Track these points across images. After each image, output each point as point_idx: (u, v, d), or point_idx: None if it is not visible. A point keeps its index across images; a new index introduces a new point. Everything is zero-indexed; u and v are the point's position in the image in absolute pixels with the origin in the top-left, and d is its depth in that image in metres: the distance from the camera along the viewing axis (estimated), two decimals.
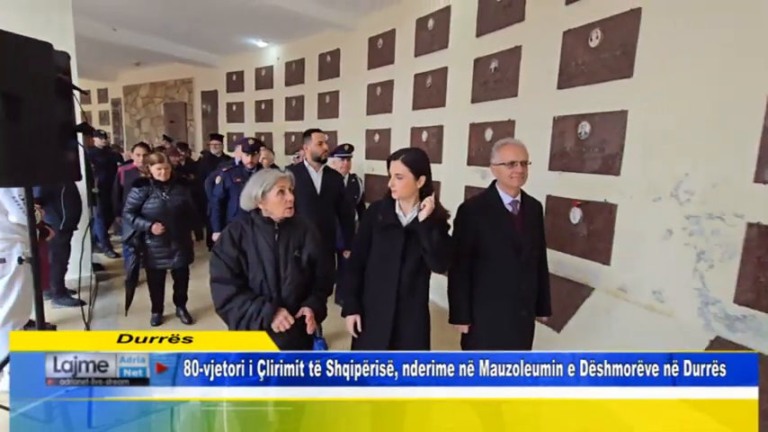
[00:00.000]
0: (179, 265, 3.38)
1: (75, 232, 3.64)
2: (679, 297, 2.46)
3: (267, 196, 1.73)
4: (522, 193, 1.95)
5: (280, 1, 5.30)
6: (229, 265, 1.72)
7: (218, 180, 3.66)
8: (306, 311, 1.79)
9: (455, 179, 4.34)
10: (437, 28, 4.68)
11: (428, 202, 1.67)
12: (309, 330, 1.81)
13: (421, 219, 1.67)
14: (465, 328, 1.95)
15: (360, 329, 1.86)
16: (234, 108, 8.85)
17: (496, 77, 3.91)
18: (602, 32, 2.90)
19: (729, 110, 2.20)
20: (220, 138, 5.65)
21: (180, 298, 3.54)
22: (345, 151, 3.83)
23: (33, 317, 1.87)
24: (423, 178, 1.76)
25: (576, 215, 3.12)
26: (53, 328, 2.23)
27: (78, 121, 1.83)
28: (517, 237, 1.89)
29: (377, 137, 5.72)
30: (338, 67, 6.56)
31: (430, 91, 4.83)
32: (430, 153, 2.77)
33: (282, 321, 1.70)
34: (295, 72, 7.41)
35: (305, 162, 2.98)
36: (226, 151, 6.26)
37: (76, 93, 1.81)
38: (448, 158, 4.54)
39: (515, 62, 3.68)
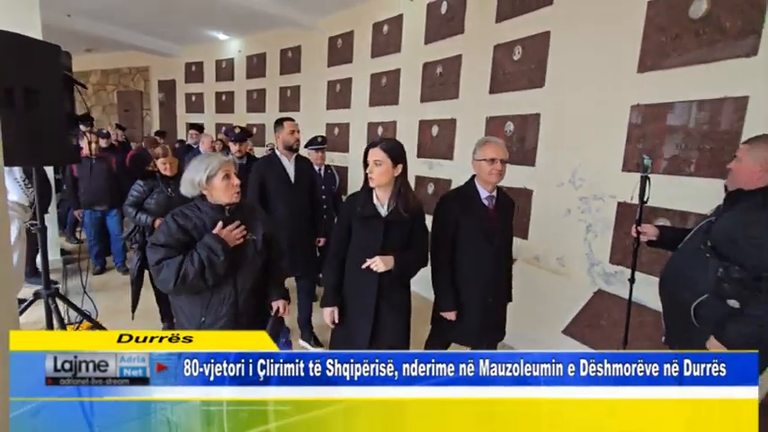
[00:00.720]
0: None
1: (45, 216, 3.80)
2: (574, 262, 3.15)
3: (213, 181, 1.61)
4: (498, 190, 2.04)
5: None
6: (173, 245, 1.57)
7: None
8: (280, 304, 1.79)
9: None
10: (391, 33, 5.18)
11: (377, 261, 1.75)
12: (286, 316, 1.80)
13: (379, 271, 1.76)
14: (453, 315, 1.99)
15: (337, 321, 1.89)
16: (193, 99, 8.90)
17: (441, 81, 4.48)
18: (523, 48, 3.53)
19: (606, 115, 2.87)
20: (200, 128, 5.52)
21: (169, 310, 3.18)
22: (318, 143, 3.84)
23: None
24: (400, 166, 1.79)
25: None
26: (57, 289, 2.35)
27: (80, 111, 2.14)
28: (491, 229, 1.98)
29: (336, 130, 6.15)
30: (299, 63, 6.90)
31: (385, 90, 5.34)
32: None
33: (234, 232, 1.61)
34: (257, 65, 7.64)
35: (276, 152, 2.93)
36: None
37: (78, 87, 2.12)
38: None
39: (456, 68, 4.26)
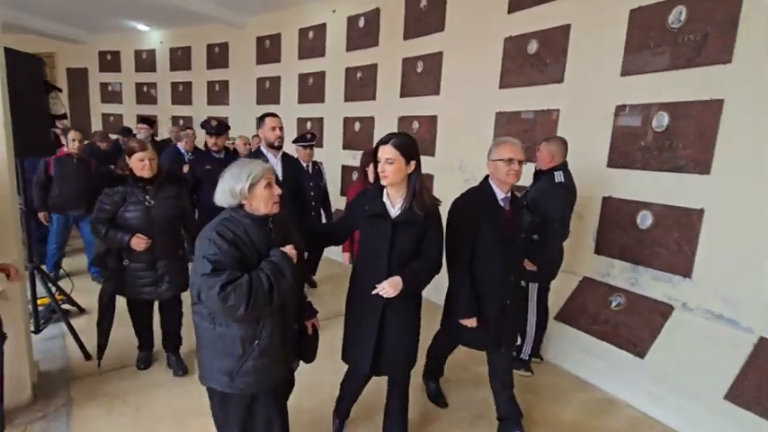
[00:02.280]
0: (167, 295, 2.40)
1: None
2: None
3: (255, 190, 1.46)
4: (512, 191, 2.00)
5: None
6: (232, 265, 1.39)
7: (186, 168, 3.38)
8: (315, 321, 1.75)
9: (333, 160, 5.61)
10: (316, 39, 5.84)
11: (386, 287, 1.64)
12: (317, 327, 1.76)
13: (389, 296, 1.65)
14: (473, 322, 1.94)
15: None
16: (110, 88, 8.62)
17: (361, 84, 5.28)
18: (423, 63, 4.46)
19: (480, 118, 3.89)
20: (151, 122, 5.08)
21: (170, 339, 2.59)
22: (308, 140, 3.71)
23: None
24: (413, 163, 1.68)
25: None
26: (39, 263, 2.32)
27: (61, 111, 2.56)
28: (507, 231, 1.96)
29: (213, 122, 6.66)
30: (227, 59, 7.21)
31: (312, 89, 5.99)
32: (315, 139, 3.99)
33: (294, 251, 1.50)
34: (181, 58, 7.73)
35: (261, 148, 2.79)
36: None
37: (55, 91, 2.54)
38: (327, 144, 5.79)
39: (373, 75, 5.09)
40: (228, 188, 1.46)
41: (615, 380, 2.60)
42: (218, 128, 3.38)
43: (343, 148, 5.57)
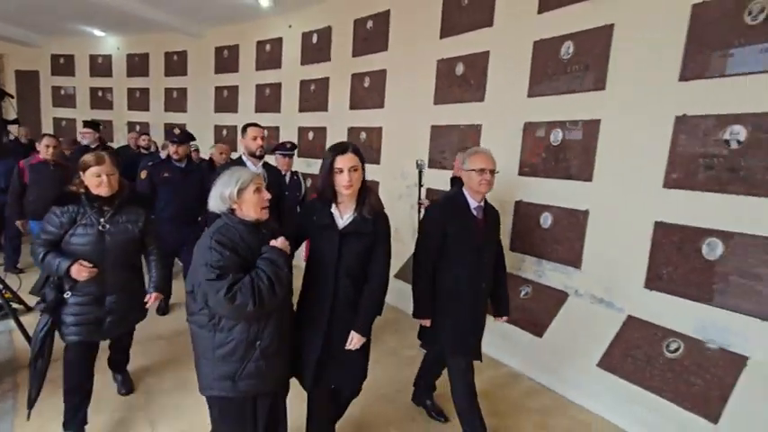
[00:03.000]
0: (112, 335, 2.15)
1: None
2: (406, 233, 4.54)
3: (243, 195, 1.53)
4: (485, 200, 2.05)
5: (123, 3, 5.85)
6: (234, 268, 1.45)
7: (143, 174, 3.40)
8: None
9: None
10: (273, 52, 6.12)
11: (355, 342, 1.68)
12: None
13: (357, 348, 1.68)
14: (427, 322, 2.02)
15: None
16: (62, 92, 8.47)
17: (315, 96, 5.60)
18: (370, 79, 4.84)
19: (418, 131, 4.30)
20: (96, 126, 4.96)
21: (118, 360, 2.46)
22: (287, 149, 3.71)
23: None
24: (364, 171, 1.70)
25: None
26: None
27: (12, 117, 2.71)
28: (479, 239, 2.00)
29: (225, 132, 6.83)
30: (185, 67, 7.33)
31: (269, 99, 6.25)
32: (268, 149, 4.24)
33: (287, 243, 1.58)
34: (139, 64, 7.77)
35: (243, 157, 2.82)
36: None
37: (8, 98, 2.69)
38: None
39: (326, 88, 5.43)
40: (219, 193, 1.53)
41: (519, 356, 3.02)
42: (181, 137, 3.39)
43: (299, 156, 5.84)
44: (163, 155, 4.41)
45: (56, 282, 1.90)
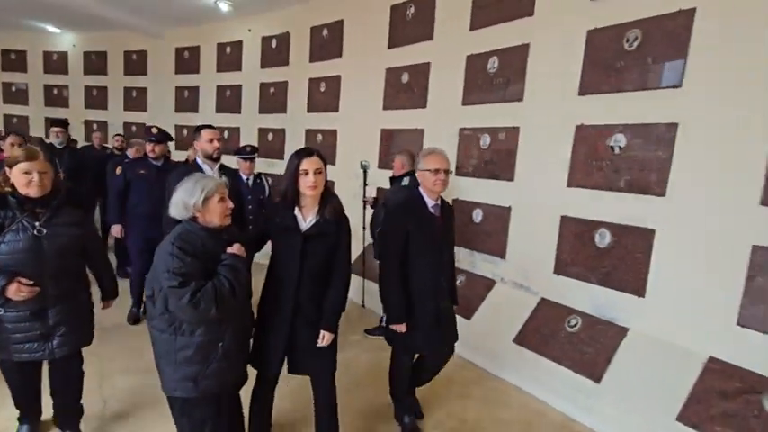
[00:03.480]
0: (60, 354, 1.84)
1: None
2: (359, 228, 4.83)
3: (208, 204, 1.54)
4: (441, 198, 2.12)
5: (78, 1, 5.82)
6: (196, 275, 1.49)
7: (118, 170, 3.37)
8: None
9: None
10: (233, 54, 6.27)
11: (326, 339, 1.75)
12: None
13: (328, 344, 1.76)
14: (404, 327, 2.02)
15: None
16: (13, 89, 8.23)
17: (274, 99, 5.80)
18: (326, 84, 5.11)
19: (368, 133, 4.60)
20: (65, 124, 4.80)
21: (67, 411, 2.02)
22: (247, 153, 3.71)
23: None
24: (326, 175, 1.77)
25: None
26: None
27: None
28: (438, 237, 2.07)
29: (185, 132, 6.89)
30: (146, 67, 7.32)
31: (230, 100, 6.39)
32: (226, 149, 4.42)
33: (242, 249, 1.63)
34: (96, 62, 7.68)
35: (198, 161, 2.74)
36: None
37: None
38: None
39: (284, 91, 5.65)
40: (182, 201, 1.53)
41: None
42: (158, 136, 3.39)
43: (259, 156, 6.00)
44: (129, 153, 4.41)
45: None
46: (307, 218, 1.76)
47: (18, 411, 1.97)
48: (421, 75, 4.05)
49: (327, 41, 5.09)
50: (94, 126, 7.71)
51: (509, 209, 3.36)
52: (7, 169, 1.67)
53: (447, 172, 2.03)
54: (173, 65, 6.97)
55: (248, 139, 6.11)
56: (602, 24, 2.75)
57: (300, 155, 1.74)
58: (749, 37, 2.15)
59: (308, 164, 1.71)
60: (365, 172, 3.72)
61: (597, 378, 2.51)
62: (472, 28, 3.59)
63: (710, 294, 2.26)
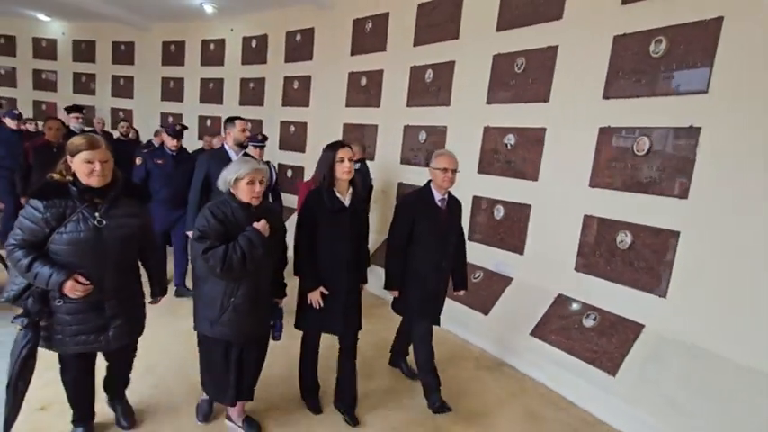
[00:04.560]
0: (116, 346, 1.85)
1: None
2: None
3: (238, 184, 1.84)
4: (449, 193, 2.38)
5: None
6: (216, 236, 1.77)
7: (138, 161, 3.58)
8: (281, 299, 2.17)
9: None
10: (216, 50, 6.95)
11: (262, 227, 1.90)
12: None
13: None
14: (396, 293, 2.41)
15: (321, 302, 2.11)
16: (2, 72, 8.63)
17: (253, 92, 6.53)
18: (298, 82, 5.87)
19: (333, 127, 5.40)
20: (81, 110, 4.97)
21: (116, 382, 2.12)
22: (259, 141, 3.83)
23: None
24: None
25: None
26: None
27: None
28: (443, 227, 2.35)
29: (170, 119, 7.52)
30: (133, 57, 7.89)
31: (212, 92, 7.08)
32: (212, 134, 5.14)
33: (267, 226, 1.86)
34: (85, 51, 8.18)
35: (226, 147, 3.08)
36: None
37: None
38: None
39: (262, 87, 6.39)
40: (224, 177, 1.87)
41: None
42: (179, 131, 3.63)
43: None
44: (155, 142, 4.81)
45: (39, 291, 1.65)
46: (345, 198, 2.11)
47: (73, 416, 1.96)
48: (375, 80, 4.88)
49: (300, 45, 5.85)
50: (83, 111, 8.22)
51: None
52: (69, 157, 1.63)
53: (455, 171, 2.29)
54: (159, 57, 7.57)
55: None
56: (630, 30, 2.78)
57: (336, 146, 2.09)
58: None
59: (344, 153, 2.06)
60: None
61: (613, 372, 2.56)
62: (415, 44, 4.43)
63: None
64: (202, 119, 7.17)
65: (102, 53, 8.09)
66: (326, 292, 2.11)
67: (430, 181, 2.38)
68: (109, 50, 8.02)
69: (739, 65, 2.36)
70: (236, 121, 3.09)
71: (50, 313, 1.69)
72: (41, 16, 8.02)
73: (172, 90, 7.53)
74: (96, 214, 1.66)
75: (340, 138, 5.29)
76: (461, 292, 2.64)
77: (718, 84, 2.43)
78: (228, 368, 1.95)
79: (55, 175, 1.66)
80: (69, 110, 4.85)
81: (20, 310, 1.69)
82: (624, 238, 2.83)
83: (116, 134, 6.04)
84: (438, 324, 2.51)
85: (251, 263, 1.77)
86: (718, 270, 2.39)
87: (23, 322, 1.65)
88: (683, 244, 2.55)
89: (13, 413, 1.71)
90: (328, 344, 2.37)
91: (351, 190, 2.14)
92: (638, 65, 2.77)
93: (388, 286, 2.42)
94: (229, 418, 2.15)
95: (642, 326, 2.69)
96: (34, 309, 1.65)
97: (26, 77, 8.57)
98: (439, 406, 2.41)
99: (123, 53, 7.93)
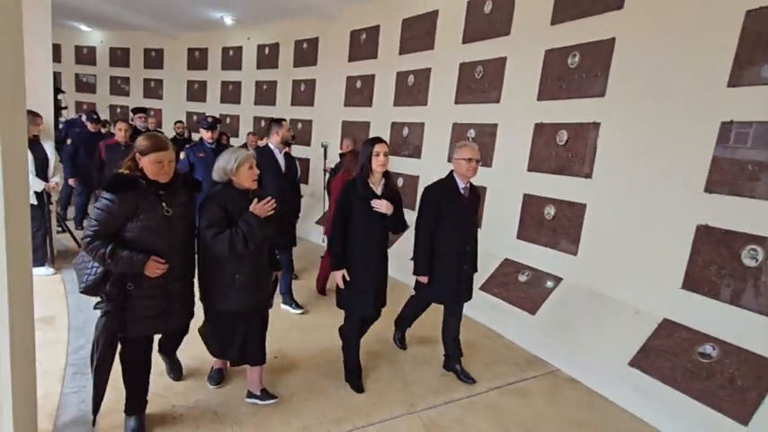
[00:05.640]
0: (176, 326, 2.09)
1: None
2: (321, 188, 6.51)
3: (239, 170, 2.00)
4: (470, 182, 2.54)
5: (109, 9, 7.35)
6: (220, 223, 1.96)
7: (182, 155, 3.79)
8: (278, 273, 2.36)
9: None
10: (235, 56, 7.90)
11: (384, 204, 2.26)
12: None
13: (389, 212, 2.27)
14: (425, 279, 2.52)
15: (348, 279, 2.31)
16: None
17: (267, 93, 7.44)
18: (304, 85, 6.73)
19: (334, 124, 6.22)
20: (145, 111, 5.61)
21: (169, 346, 2.41)
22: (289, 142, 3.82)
23: None
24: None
25: None
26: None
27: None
28: (465, 213, 2.52)
29: (194, 117, 8.51)
30: (162, 62, 8.92)
31: (232, 93, 8.02)
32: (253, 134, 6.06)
33: (266, 206, 2.02)
34: (120, 57, 9.24)
35: (270, 145, 3.33)
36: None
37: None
38: (243, 135, 7.85)
39: (274, 88, 7.29)
40: (221, 167, 2.04)
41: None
42: (212, 123, 3.88)
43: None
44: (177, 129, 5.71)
45: (117, 277, 1.79)
46: (377, 189, 2.33)
47: (126, 406, 1.99)
48: (368, 84, 5.69)
49: (306, 52, 6.71)
50: (118, 110, 9.32)
51: (417, 177, 5.03)
52: (138, 155, 1.80)
53: (478, 161, 2.47)
54: (185, 62, 8.56)
55: (246, 124, 7.77)
56: None
57: (374, 141, 2.29)
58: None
59: (380, 147, 2.26)
60: (325, 150, 5.37)
61: None
62: (401, 52, 5.22)
63: None
64: (222, 117, 8.10)
65: (135, 59, 9.13)
66: (348, 278, 2.32)
67: (452, 171, 2.55)
68: (141, 56, 9.05)
69: (628, 76, 3.08)
70: (283, 122, 3.39)
71: (126, 297, 1.82)
72: (83, 27, 9.10)
73: (196, 91, 8.51)
74: (163, 204, 1.84)
75: (339, 133, 6.16)
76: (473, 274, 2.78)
77: (611, 90, 3.17)
78: (235, 335, 2.15)
79: (124, 171, 1.82)
80: (135, 111, 5.58)
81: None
82: (549, 211, 3.58)
83: (172, 133, 6.67)
84: (470, 298, 2.68)
85: (252, 242, 1.99)
86: (611, 233, 3.13)
87: (107, 308, 1.80)
88: (588, 214, 3.30)
89: (100, 393, 1.89)
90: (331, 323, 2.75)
91: (383, 181, 2.36)
92: (561, 73, 3.52)
93: (418, 272, 2.55)
94: (250, 395, 2.29)
95: (561, 278, 3.44)
96: (113, 293, 1.79)
97: (69, 81, 9.67)
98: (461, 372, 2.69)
99: (153, 59, 8.96)
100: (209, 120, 3.93)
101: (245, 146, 5.83)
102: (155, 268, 1.80)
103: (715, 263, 2.53)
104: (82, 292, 1.86)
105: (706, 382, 2.33)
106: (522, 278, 3.67)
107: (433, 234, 2.50)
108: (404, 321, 3.00)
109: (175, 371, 2.42)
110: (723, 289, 2.49)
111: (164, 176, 1.82)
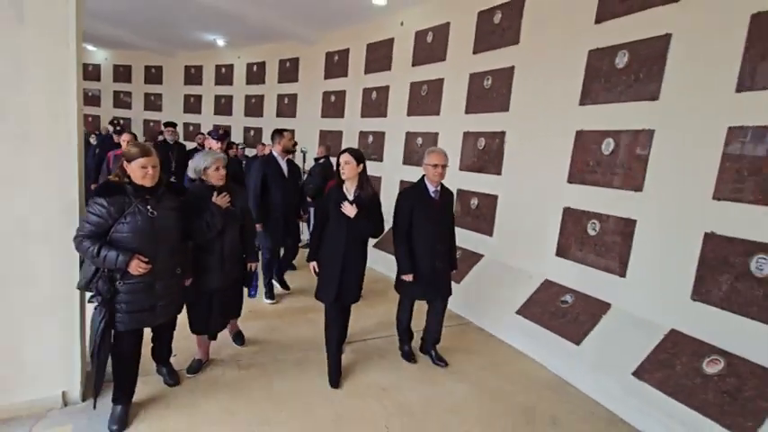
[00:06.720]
0: (160, 321, 2.21)
1: None
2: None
3: (207, 171, 2.41)
4: (441, 185, 2.75)
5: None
6: (194, 213, 2.32)
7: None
8: (253, 265, 2.72)
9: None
10: (227, 73, 8.82)
11: (348, 208, 2.42)
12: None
13: (352, 215, 2.43)
14: (410, 277, 2.70)
15: (318, 270, 2.58)
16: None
17: (255, 106, 8.34)
18: (288, 99, 7.64)
19: (312, 132, 7.11)
20: (174, 125, 5.98)
21: (161, 352, 2.56)
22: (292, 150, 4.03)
23: None
24: (361, 165, 2.48)
25: None
26: None
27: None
28: (436, 215, 2.72)
29: (191, 128, 9.41)
30: (161, 78, 9.82)
31: (224, 106, 8.92)
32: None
33: (224, 198, 2.46)
34: (123, 73, 10.13)
35: (273, 153, 3.63)
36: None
37: None
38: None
39: (261, 101, 8.19)
40: (194, 167, 2.46)
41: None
42: (222, 135, 4.15)
43: (246, 146, 8.54)
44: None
45: (107, 273, 1.96)
46: (350, 192, 2.52)
47: (114, 394, 2.17)
48: (341, 97, 6.60)
49: (289, 70, 7.64)
50: (120, 121, 10.16)
51: (495, 197, 5.91)
52: (125, 162, 1.97)
53: (444, 167, 2.65)
54: (182, 78, 9.47)
55: (236, 133, 8.66)
56: None
57: (341, 153, 2.52)
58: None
59: (342, 158, 2.49)
60: (304, 155, 6.24)
61: (578, 341, 4.02)
62: (366, 71, 6.14)
63: None
64: (216, 127, 9.02)
65: (136, 75, 10.04)
66: (317, 270, 2.60)
67: (424, 176, 2.75)
68: (142, 73, 9.96)
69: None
70: (285, 133, 3.70)
71: (116, 292, 1.98)
72: (89, 47, 10.01)
73: (192, 104, 9.42)
74: (149, 207, 1.99)
75: (316, 140, 7.06)
76: (453, 272, 2.95)
77: (513, 104, 4.09)
78: (211, 310, 2.58)
79: (113, 178, 1.99)
80: (166, 125, 6.05)
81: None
82: (474, 201, 4.47)
83: (194, 144, 7.03)
84: (450, 294, 2.88)
85: (214, 228, 2.39)
86: (514, 217, 4.02)
87: (99, 300, 1.97)
88: (500, 203, 4.19)
89: (100, 377, 2.03)
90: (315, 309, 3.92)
91: (357, 187, 2.53)
92: (479, 92, 4.43)
93: (402, 272, 2.75)
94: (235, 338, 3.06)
95: (482, 255, 4.31)
96: (104, 288, 1.94)
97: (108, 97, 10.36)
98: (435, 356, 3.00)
99: (154, 75, 9.86)
100: (220, 131, 4.18)
101: (255, 156, 6.15)
102: (137, 266, 1.95)
103: (573, 235, 3.42)
104: (78, 288, 2.11)
105: (561, 320, 3.21)
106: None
107: (409, 234, 2.72)
108: (401, 325, 3.06)
109: (173, 378, 2.56)
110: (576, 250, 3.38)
111: (148, 180, 1.99)
